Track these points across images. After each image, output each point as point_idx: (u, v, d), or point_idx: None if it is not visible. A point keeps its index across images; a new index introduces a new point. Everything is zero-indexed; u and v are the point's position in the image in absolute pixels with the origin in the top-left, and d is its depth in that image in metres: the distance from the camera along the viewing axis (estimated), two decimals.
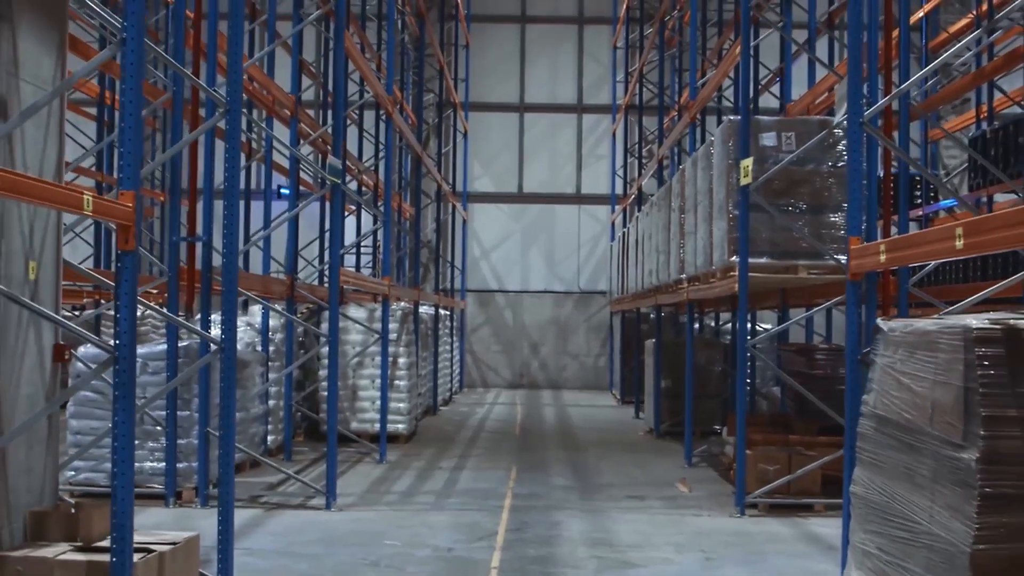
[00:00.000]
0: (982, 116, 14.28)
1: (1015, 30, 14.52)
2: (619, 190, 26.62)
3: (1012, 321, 4.54)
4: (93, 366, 8.83)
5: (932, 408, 4.85)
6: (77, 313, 14.65)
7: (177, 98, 9.36)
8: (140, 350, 9.84)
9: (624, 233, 21.37)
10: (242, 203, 13.75)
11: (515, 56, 27.91)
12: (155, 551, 5.32)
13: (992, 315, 4.80)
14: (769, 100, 18.59)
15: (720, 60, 16.57)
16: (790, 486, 9.83)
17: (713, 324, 19.76)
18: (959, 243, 4.75)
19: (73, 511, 5.63)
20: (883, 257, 5.81)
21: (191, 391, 9.75)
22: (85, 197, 4.35)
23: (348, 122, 16.15)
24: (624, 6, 25.05)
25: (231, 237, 6.52)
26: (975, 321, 4.58)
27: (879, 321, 5.78)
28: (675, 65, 20.19)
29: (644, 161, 23.69)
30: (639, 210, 19.08)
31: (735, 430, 10.23)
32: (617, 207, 26.09)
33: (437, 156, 24.64)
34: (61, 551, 5.27)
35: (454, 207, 25.10)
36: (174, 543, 5.54)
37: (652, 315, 18.45)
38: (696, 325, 19.23)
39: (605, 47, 27.87)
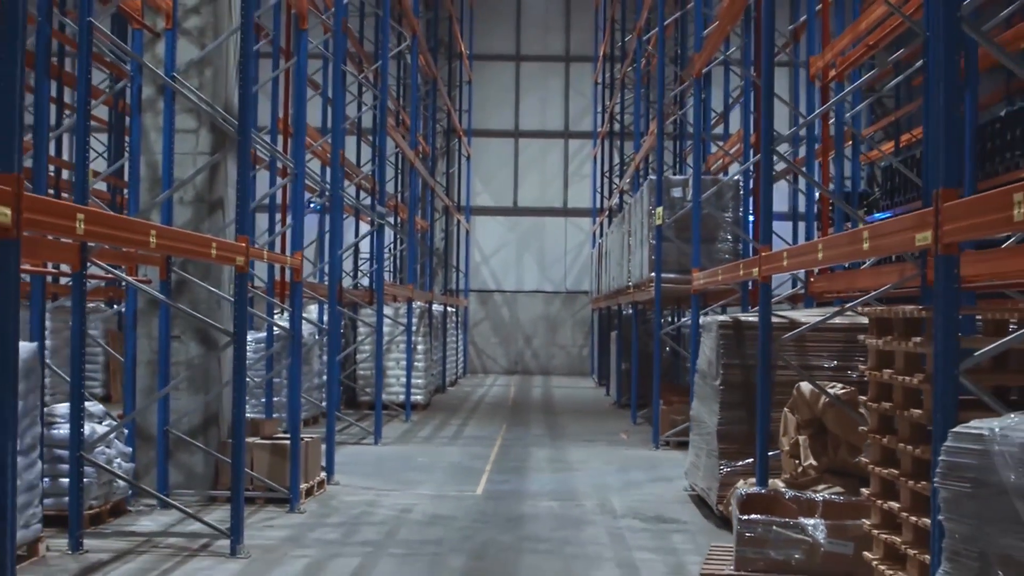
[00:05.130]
0: (901, 144, 17.83)
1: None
2: (599, 205, 31.17)
3: (740, 317, 9.11)
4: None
5: (708, 362, 9.43)
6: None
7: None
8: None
9: (600, 243, 25.97)
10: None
11: (511, 89, 32.51)
12: (304, 440, 9.89)
13: (733, 313, 9.38)
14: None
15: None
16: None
17: (670, 320, 24.29)
18: (720, 277, 9.31)
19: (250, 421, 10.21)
20: (701, 281, 10.36)
21: (279, 362, 14.28)
22: (288, 258, 8.91)
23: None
24: (603, 49, 29.58)
25: (335, 273, 11.08)
26: (722, 316, 9.15)
27: (701, 318, 10.35)
28: (647, 98, 24.58)
29: (615, 184, 28.22)
30: (609, 226, 23.64)
31: (669, 398, 14.80)
32: (597, 219, 30.59)
33: (445, 176, 29.28)
34: (253, 441, 9.83)
35: (459, 220, 29.72)
36: (312, 438, 10.12)
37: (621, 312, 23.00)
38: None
39: (588, 82, 32.42)
